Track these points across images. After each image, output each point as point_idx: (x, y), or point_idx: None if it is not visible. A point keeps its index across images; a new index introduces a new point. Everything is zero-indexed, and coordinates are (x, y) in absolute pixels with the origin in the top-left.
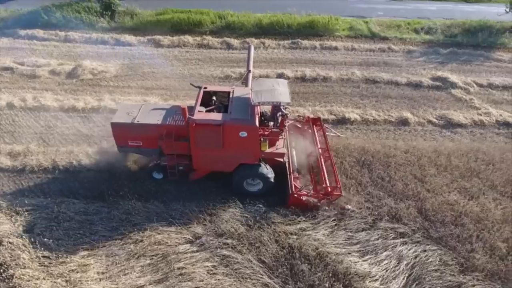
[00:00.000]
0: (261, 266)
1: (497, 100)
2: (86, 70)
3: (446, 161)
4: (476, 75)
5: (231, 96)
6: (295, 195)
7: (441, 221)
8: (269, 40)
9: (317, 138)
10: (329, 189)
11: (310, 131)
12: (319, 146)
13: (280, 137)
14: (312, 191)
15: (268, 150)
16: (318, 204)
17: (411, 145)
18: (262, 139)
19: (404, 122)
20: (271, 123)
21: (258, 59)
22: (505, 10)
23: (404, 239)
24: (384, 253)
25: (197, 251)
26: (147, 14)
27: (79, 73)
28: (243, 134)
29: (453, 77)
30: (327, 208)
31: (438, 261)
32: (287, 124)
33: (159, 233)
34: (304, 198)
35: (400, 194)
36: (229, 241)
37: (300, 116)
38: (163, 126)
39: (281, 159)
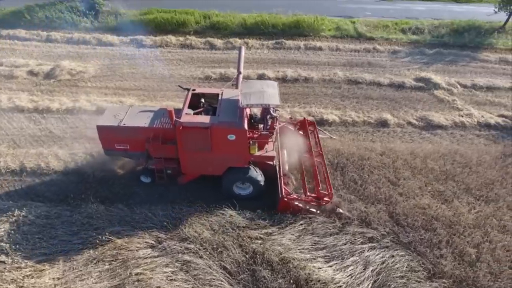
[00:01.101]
0: (222, 272)
1: (480, 101)
2: (64, 70)
3: (421, 164)
4: (461, 75)
5: (220, 98)
6: (285, 199)
7: (412, 225)
8: (253, 40)
9: (309, 141)
10: (320, 194)
11: (302, 133)
12: (311, 149)
13: (270, 140)
14: (302, 195)
15: (257, 153)
16: (309, 208)
17: (388, 147)
18: (251, 142)
19: (383, 123)
20: (261, 126)
21: None
22: (494, 10)
23: (373, 244)
24: (351, 259)
25: (158, 256)
26: (132, 14)
27: (57, 73)
28: (232, 137)
29: (437, 78)
30: (318, 212)
31: (406, 267)
32: (277, 127)
33: (120, 238)
34: (294, 202)
35: (371, 197)
36: (191, 246)
37: (292, 118)
38: (150, 129)
39: (271, 162)
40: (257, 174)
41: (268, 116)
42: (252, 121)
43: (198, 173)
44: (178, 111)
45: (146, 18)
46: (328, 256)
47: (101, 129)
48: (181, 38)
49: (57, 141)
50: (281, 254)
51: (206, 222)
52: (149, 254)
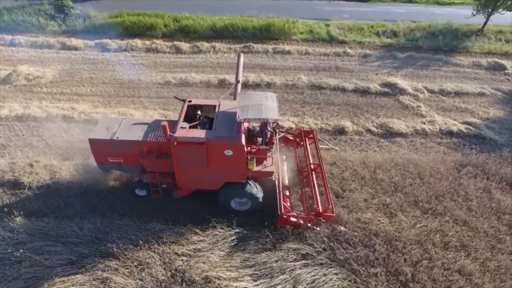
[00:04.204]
0: None
1: (446, 107)
2: (21, 75)
3: (370, 175)
4: (430, 80)
5: (216, 110)
6: (285, 216)
7: (350, 241)
8: (221, 44)
9: (309, 152)
10: (321, 210)
11: (302, 143)
12: (310, 162)
13: (269, 155)
14: (302, 212)
15: (255, 168)
16: (309, 225)
17: (340, 156)
18: (249, 157)
19: (341, 131)
20: (260, 139)
21: (204, 64)
22: (472, 12)
23: (307, 261)
24: (280, 277)
25: (76, 273)
26: (101, 17)
27: (13, 78)
28: (229, 152)
29: (403, 83)
30: (318, 229)
31: (336, 287)
32: (276, 140)
33: (39, 254)
34: (293, 219)
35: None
36: (113, 262)
37: (291, 128)
38: (144, 143)
39: (270, 177)
40: (256, 190)
41: (266, 130)
42: (250, 134)
43: (194, 188)
44: (173, 124)
45: (114, 22)
46: (257, 274)
47: (93, 143)
48: (147, 42)
49: (0, 149)
50: (204, 272)
51: (133, 237)
52: (67, 271)
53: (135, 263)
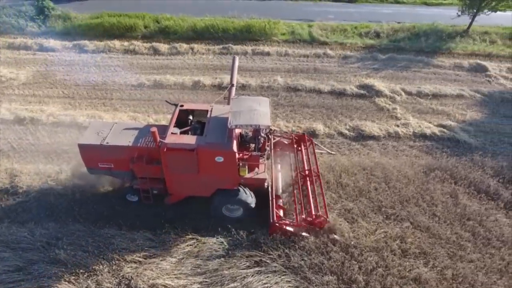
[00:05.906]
0: None
1: (423, 110)
2: None
3: (336, 179)
4: (409, 82)
5: (208, 115)
6: (277, 224)
7: (306, 248)
8: (200, 45)
9: (305, 158)
10: (315, 218)
11: (298, 149)
12: (306, 168)
13: (261, 161)
14: (295, 220)
15: (247, 175)
16: (301, 232)
17: None
18: (240, 163)
19: (311, 133)
20: (252, 145)
21: (180, 66)
22: (457, 13)
23: (260, 268)
24: (231, 285)
25: (21, 280)
26: (82, 17)
27: None
28: (220, 159)
29: (381, 85)
30: (311, 237)
31: None
32: (268, 146)
33: None
34: (286, 227)
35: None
36: (60, 269)
37: (287, 132)
38: (135, 148)
39: (262, 184)
40: (247, 196)
41: (259, 136)
42: (243, 140)
43: (185, 194)
44: (163, 129)
45: (93, 23)
46: (207, 282)
47: (83, 148)
48: (126, 43)
49: None
50: (151, 280)
51: (84, 243)
52: (13, 278)
53: (82, 270)
